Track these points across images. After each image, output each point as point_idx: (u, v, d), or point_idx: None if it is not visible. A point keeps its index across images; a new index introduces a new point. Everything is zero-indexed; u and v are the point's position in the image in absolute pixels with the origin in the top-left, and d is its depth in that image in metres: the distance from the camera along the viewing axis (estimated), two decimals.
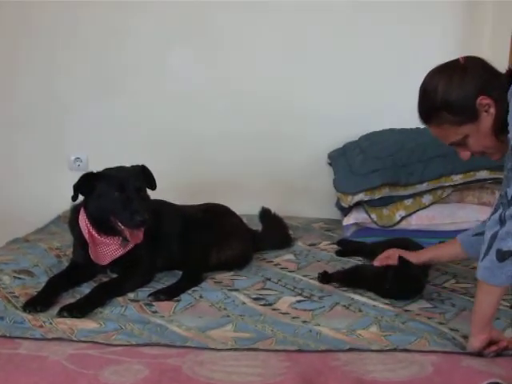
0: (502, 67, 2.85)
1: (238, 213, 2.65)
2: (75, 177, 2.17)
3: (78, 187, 2.15)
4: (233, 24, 3.26)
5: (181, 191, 2.98)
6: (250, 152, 3.36)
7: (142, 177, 2.22)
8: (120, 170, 2.20)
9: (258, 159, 3.37)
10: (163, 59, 3.32)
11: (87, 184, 2.14)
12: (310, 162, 3.37)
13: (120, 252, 2.17)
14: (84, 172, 2.20)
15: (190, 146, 3.37)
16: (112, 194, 2.11)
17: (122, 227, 2.11)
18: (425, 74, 3.27)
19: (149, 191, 2.27)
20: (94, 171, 2.19)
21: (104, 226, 2.14)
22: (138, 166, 2.26)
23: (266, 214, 2.83)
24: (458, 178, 2.73)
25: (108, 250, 2.16)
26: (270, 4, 3.22)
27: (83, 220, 2.17)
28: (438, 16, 3.22)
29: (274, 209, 2.85)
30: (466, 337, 1.75)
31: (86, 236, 2.16)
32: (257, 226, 2.79)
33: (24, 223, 2.98)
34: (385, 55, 3.25)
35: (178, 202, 2.53)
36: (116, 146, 3.29)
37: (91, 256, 2.17)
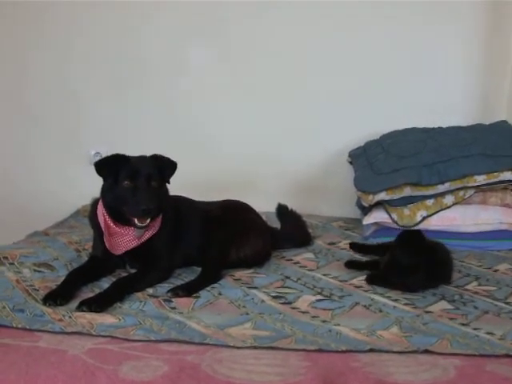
0: None
1: None
2: (95, 172, 2.17)
3: (106, 166, 2.15)
4: (248, 22, 3.25)
5: (197, 188, 2.96)
6: (267, 149, 3.34)
7: (154, 166, 2.20)
8: (132, 158, 2.19)
9: (275, 156, 3.34)
10: (181, 54, 3.30)
11: (112, 166, 2.15)
12: (329, 160, 3.34)
13: (134, 243, 2.17)
14: None
15: (206, 142, 3.36)
16: (122, 182, 2.12)
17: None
18: (446, 74, 3.24)
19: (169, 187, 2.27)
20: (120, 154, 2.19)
21: (119, 216, 2.15)
22: (152, 155, 2.25)
23: (283, 211, 2.80)
24: (481, 179, 2.69)
25: (122, 240, 2.17)
26: (286, 2, 3.20)
27: (101, 210, 2.19)
28: (462, 15, 3.16)
29: (292, 207, 2.83)
30: (490, 333, 1.73)
31: (102, 225, 2.17)
32: (275, 223, 2.76)
33: (44, 217, 2.99)
34: (406, 55, 3.21)
35: (196, 198, 2.52)
36: (136, 141, 3.27)
37: (106, 245, 2.17)
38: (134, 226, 2.12)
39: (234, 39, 3.27)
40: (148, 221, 2.11)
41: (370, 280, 2.18)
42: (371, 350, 1.60)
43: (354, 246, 2.61)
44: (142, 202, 2.07)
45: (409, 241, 2.17)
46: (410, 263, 2.10)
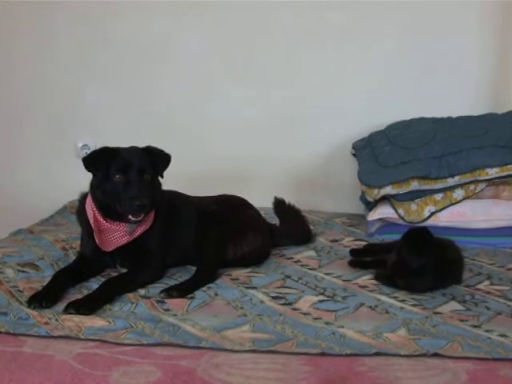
0: None
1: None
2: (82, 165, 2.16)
3: (94, 161, 2.14)
4: (246, 10, 3.24)
5: (193, 182, 2.97)
6: (266, 141, 3.34)
7: (147, 159, 2.19)
8: (123, 151, 2.18)
9: (275, 149, 3.34)
10: (175, 43, 3.30)
11: (102, 161, 2.14)
12: (332, 152, 3.34)
13: (125, 239, 2.16)
14: None
15: (203, 134, 3.36)
16: (113, 176, 2.11)
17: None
18: (454, 62, 3.23)
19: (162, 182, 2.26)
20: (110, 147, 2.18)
21: (109, 211, 2.14)
22: (144, 147, 2.24)
23: (280, 206, 2.77)
24: (493, 172, 2.69)
25: (113, 236, 2.16)
26: None
27: (90, 205, 2.17)
28: (473, 6, 3.16)
29: (293, 202, 2.82)
30: (503, 336, 1.74)
31: (92, 221, 2.16)
32: (273, 219, 2.76)
33: (29, 213, 3.00)
34: (413, 43, 3.21)
35: (190, 193, 2.51)
36: (125, 133, 3.25)
37: (96, 241, 2.16)
38: (127, 221, 2.11)
39: (232, 28, 3.26)
40: (142, 216, 2.11)
41: (377, 279, 2.18)
42: (377, 354, 1.60)
43: (353, 253, 2.51)
44: (136, 197, 2.06)
45: (415, 240, 2.15)
46: (417, 264, 2.09)
